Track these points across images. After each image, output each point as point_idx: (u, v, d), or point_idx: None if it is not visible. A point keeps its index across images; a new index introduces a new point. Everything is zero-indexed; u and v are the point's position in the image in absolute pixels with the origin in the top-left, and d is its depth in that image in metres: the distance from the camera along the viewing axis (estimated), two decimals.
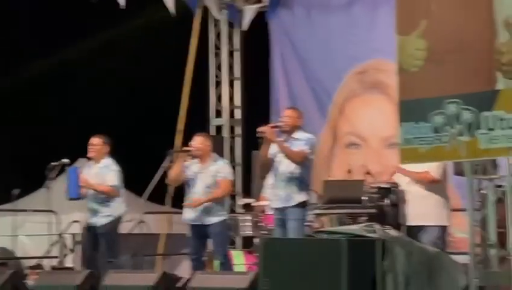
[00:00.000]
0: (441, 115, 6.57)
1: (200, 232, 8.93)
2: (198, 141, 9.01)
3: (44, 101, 15.76)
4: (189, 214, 8.98)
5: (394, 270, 6.69)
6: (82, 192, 9.39)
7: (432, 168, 8.36)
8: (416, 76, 6.73)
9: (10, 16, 14.32)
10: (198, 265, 8.94)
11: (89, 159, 9.59)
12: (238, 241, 12.09)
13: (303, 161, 8.51)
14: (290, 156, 8.49)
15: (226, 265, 8.97)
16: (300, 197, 8.49)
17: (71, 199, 9.45)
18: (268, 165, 8.66)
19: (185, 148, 9.08)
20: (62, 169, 9.89)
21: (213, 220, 8.89)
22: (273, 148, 8.66)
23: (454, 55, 6.58)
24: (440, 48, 6.66)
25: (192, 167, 9.02)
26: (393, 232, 7.08)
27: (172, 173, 9.07)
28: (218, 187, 8.89)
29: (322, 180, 9.90)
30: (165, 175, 9.37)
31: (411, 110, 6.72)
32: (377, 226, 7.03)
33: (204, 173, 8.95)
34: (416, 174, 8.45)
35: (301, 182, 8.52)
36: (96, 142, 9.41)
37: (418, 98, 6.69)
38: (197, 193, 8.91)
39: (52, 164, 9.87)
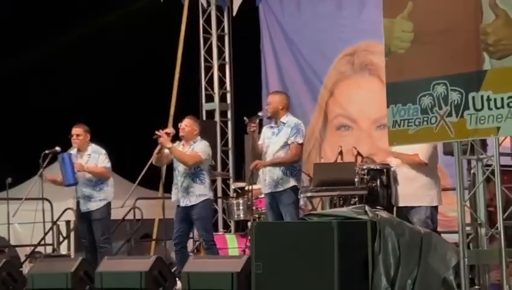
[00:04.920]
0: (428, 97, 6.59)
1: (182, 214, 8.88)
2: (184, 122, 9.03)
3: (35, 90, 15.77)
4: (175, 196, 8.97)
5: (385, 251, 6.75)
6: (77, 177, 9.46)
7: (420, 151, 8.39)
8: (404, 58, 6.73)
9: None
10: (182, 249, 8.92)
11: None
12: (231, 225, 12.15)
13: (299, 158, 8.48)
14: (283, 163, 8.39)
15: (212, 249, 8.91)
16: (290, 182, 8.40)
17: (68, 185, 9.48)
18: (258, 151, 8.61)
19: (166, 130, 9.02)
20: (55, 157, 9.93)
21: (194, 201, 8.85)
22: (263, 134, 8.64)
23: (441, 37, 6.59)
24: (427, 29, 6.66)
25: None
26: (383, 214, 7.13)
27: (154, 155, 9.03)
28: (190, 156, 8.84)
29: (313, 163, 9.93)
30: None
31: (399, 92, 6.73)
32: (367, 208, 7.08)
33: None
34: (405, 157, 8.48)
35: (290, 166, 8.44)
36: (79, 133, 9.59)
37: (405, 80, 6.71)
38: (179, 175, 8.90)
39: (45, 152, 9.93)
